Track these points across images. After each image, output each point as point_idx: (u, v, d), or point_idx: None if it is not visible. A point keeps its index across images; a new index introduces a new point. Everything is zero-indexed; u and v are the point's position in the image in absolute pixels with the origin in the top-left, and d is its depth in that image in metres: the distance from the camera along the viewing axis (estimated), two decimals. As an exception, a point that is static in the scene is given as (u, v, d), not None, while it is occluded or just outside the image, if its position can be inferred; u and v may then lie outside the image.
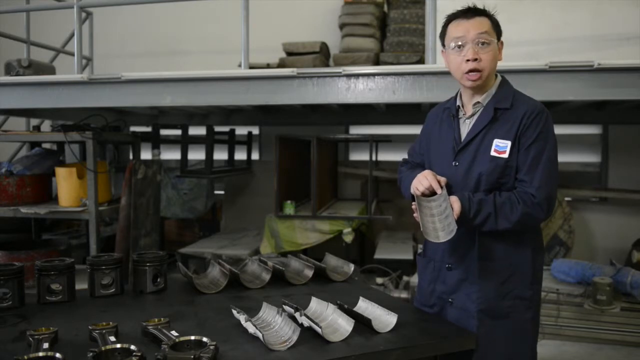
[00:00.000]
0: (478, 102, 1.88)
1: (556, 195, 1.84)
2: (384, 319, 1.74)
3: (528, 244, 1.88)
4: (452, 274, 1.91)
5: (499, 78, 1.92)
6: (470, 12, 1.83)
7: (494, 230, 1.79)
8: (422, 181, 1.81)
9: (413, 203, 1.85)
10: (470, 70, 1.81)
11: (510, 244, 1.85)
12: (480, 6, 1.87)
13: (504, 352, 1.85)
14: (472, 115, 1.90)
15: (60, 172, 3.90)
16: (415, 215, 1.83)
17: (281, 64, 4.84)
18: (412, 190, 1.86)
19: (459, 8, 1.87)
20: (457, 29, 1.83)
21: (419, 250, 4.48)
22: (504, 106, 1.83)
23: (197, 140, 5.51)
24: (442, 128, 1.98)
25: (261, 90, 3.62)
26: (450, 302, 1.91)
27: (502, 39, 1.88)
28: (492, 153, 1.81)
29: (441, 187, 1.79)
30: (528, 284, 1.87)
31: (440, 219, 1.76)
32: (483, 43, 1.79)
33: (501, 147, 1.81)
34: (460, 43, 1.82)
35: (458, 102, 1.95)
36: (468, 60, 1.80)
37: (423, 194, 1.81)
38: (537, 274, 1.92)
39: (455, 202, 1.75)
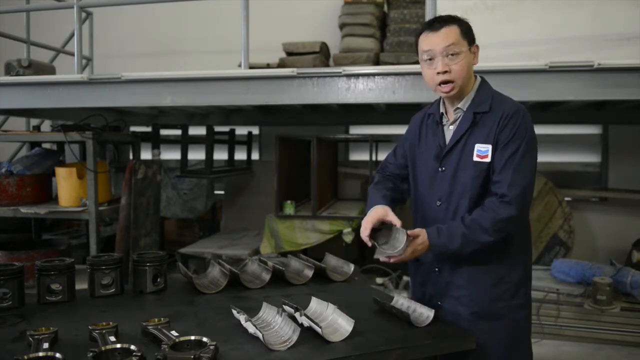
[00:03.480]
0: (458, 108, 1.89)
1: (531, 192, 1.84)
2: (422, 311, 1.76)
3: (516, 244, 1.88)
4: (441, 277, 1.93)
5: (478, 80, 1.92)
6: (437, 23, 1.81)
7: (480, 247, 1.79)
8: (363, 231, 1.93)
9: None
10: (443, 82, 1.82)
11: (498, 247, 1.84)
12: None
13: (502, 353, 1.85)
14: (455, 121, 1.91)
15: (60, 172, 3.90)
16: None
17: (281, 64, 4.83)
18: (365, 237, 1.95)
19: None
20: (426, 42, 1.82)
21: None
22: (482, 110, 1.84)
23: (197, 140, 5.50)
24: (427, 135, 1.98)
25: (261, 90, 3.62)
26: (440, 305, 1.92)
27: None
28: (475, 158, 1.82)
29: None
30: (520, 284, 1.88)
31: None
32: (452, 54, 1.79)
33: (483, 152, 1.82)
34: (429, 57, 1.82)
35: (441, 109, 1.95)
36: (439, 73, 1.81)
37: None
38: (528, 273, 1.94)
39: (421, 235, 1.82)
